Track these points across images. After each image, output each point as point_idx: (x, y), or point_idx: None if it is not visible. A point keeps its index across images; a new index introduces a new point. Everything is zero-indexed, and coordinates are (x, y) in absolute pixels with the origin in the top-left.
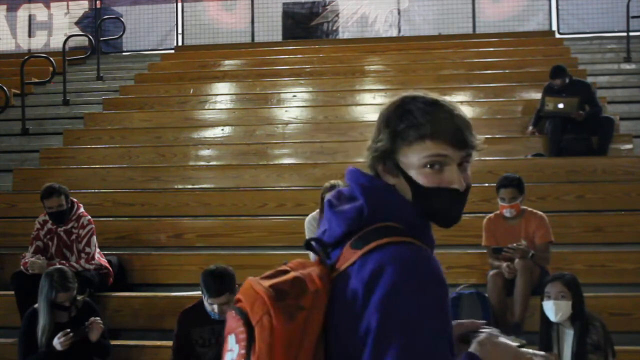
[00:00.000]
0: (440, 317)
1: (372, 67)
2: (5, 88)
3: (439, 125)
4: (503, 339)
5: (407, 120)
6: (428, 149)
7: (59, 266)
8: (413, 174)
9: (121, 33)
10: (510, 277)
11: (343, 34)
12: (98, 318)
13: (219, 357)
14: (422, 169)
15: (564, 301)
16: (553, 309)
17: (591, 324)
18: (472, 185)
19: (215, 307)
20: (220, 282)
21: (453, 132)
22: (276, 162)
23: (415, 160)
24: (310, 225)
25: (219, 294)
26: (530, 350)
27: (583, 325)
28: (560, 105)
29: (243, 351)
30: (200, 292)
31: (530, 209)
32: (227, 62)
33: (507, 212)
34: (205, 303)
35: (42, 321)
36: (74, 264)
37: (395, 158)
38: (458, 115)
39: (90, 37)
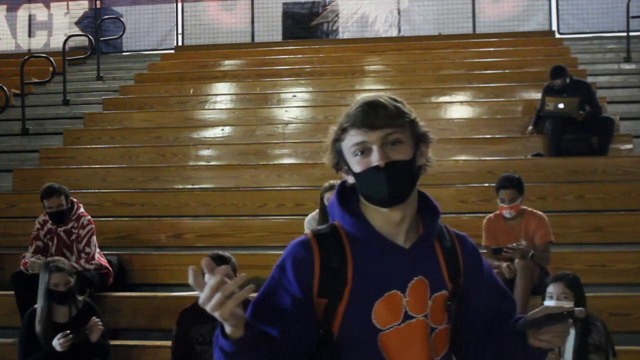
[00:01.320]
0: (268, 284)
1: (372, 67)
2: (5, 88)
3: (350, 118)
4: None
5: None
6: (350, 141)
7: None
8: (352, 166)
9: (121, 33)
10: (510, 277)
11: (343, 34)
12: (98, 320)
13: None
14: (354, 158)
15: (566, 302)
16: None
17: (592, 324)
18: (472, 185)
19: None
20: (222, 256)
21: (361, 118)
22: (276, 162)
23: (348, 154)
24: (310, 225)
25: (220, 263)
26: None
27: (584, 325)
28: (561, 105)
29: None
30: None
31: (530, 209)
32: (227, 62)
33: (506, 213)
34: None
35: (40, 310)
36: (74, 264)
37: (345, 159)
38: (368, 102)
39: (90, 37)
